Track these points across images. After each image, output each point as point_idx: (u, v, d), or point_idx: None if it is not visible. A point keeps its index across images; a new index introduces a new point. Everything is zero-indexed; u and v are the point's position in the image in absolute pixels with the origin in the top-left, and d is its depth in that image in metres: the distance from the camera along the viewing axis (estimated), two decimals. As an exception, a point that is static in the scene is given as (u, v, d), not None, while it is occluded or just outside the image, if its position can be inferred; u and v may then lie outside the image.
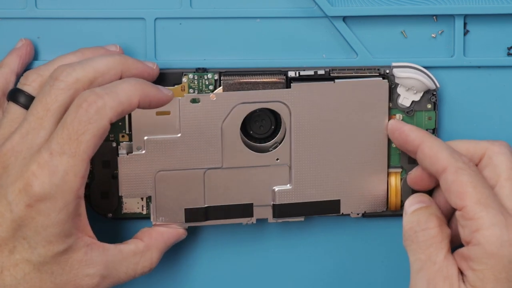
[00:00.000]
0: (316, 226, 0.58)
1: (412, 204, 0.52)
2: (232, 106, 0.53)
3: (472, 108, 0.57)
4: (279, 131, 0.56)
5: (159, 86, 0.51)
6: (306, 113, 0.54)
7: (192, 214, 0.55)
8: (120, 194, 0.54)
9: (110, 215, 0.57)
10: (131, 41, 0.56)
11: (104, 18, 0.56)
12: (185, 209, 0.54)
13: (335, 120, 0.54)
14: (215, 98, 0.53)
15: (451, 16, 0.56)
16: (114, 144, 0.56)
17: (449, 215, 0.54)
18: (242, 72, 0.56)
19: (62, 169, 0.47)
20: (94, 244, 0.50)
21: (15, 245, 0.48)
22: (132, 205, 0.57)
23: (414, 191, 0.55)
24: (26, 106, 0.51)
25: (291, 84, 0.54)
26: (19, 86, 0.52)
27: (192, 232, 0.57)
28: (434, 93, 0.56)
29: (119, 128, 0.56)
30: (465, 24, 0.56)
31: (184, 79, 0.56)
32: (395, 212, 0.57)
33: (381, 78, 0.55)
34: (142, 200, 0.57)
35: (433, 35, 0.57)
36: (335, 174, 0.55)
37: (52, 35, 0.56)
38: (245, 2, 0.56)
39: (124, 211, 0.57)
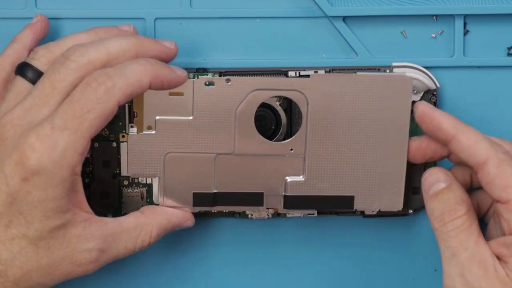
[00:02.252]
0: (316, 226, 0.58)
1: (432, 183, 0.51)
2: (247, 92, 0.52)
3: (472, 108, 0.57)
4: (279, 131, 0.56)
5: (173, 66, 0.50)
6: (324, 104, 0.53)
7: (201, 199, 0.53)
8: (127, 174, 0.53)
9: (110, 215, 0.57)
10: (131, 41, 0.56)
11: (104, 18, 0.56)
12: (194, 193, 0.53)
13: (354, 113, 0.53)
14: (230, 83, 0.52)
15: (451, 16, 0.56)
16: (115, 144, 0.56)
17: (467, 186, 0.53)
18: (242, 72, 0.56)
19: (62, 144, 0.47)
20: (92, 219, 0.50)
21: (11, 219, 0.48)
22: (132, 205, 0.57)
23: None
24: (33, 81, 0.50)
25: (310, 74, 0.53)
26: (27, 60, 0.51)
27: (200, 229, 0.58)
28: (434, 93, 0.56)
29: (119, 128, 0.56)
30: (465, 24, 0.56)
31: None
32: (395, 212, 0.57)
33: (405, 74, 0.54)
34: (142, 200, 0.57)
35: (433, 35, 0.57)
36: (350, 169, 0.54)
37: (52, 35, 0.56)
38: (245, 2, 0.56)
39: (124, 211, 0.57)
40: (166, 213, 0.53)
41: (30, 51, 0.53)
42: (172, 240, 0.58)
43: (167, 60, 0.52)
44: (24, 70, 0.51)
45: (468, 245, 0.49)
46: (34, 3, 0.56)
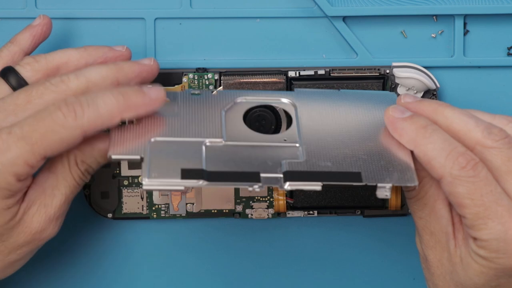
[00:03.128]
0: (315, 226, 0.58)
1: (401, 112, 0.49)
2: (233, 101, 0.52)
3: (472, 108, 0.57)
4: (279, 131, 0.56)
5: (148, 90, 0.49)
6: (311, 112, 0.52)
7: (190, 173, 0.48)
8: (108, 154, 0.48)
9: (110, 215, 0.57)
10: (131, 41, 0.56)
11: (104, 18, 0.56)
12: (182, 169, 0.48)
13: (343, 110, 0.52)
14: (216, 94, 0.52)
15: (451, 16, 0.56)
16: (114, 144, 0.56)
17: None
18: (242, 72, 0.56)
19: (14, 151, 0.46)
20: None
21: None
22: (132, 205, 0.57)
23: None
24: (14, 88, 0.50)
25: (294, 88, 0.53)
26: (14, 65, 0.51)
27: (200, 229, 0.58)
28: (434, 93, 0.56)
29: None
30: (465, 24, 0.56)
31: (184, 79, 0.56)
32: (395, 212, 0.57)
33: (388, 92, 0.53)
34: (142, 200, 0.57)
35: (433, 35, 0.57)
36: (351, 150, 0.50)
37: (52, 35, 0.56)
38: (245, 2, 0.56)
39: (124, 211, 0.57)
40: (90, 140, 0.49)
41: (26, 54, 0.53)
42: (172, 240, 0.58)
43: (150, 78, 0.51)
44: (8, 74, 0.51)
45: (422, 215, 0.49)
46: (34, 3, 0.56)
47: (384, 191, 0.48)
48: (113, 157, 0.48)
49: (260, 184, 0.48)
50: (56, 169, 0.50)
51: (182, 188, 0.47)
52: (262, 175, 0.48)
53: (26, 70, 0.51)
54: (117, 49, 0.53)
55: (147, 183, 0.47)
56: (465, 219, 0.47)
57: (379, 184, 0.48)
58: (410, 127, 0.48)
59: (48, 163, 0.50)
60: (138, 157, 0.48)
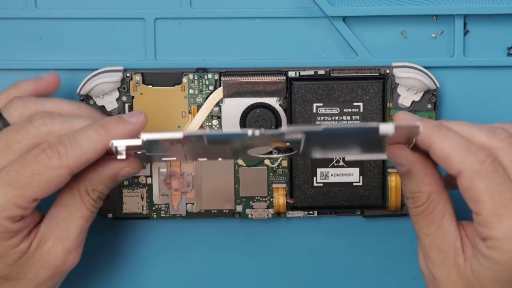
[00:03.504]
0: (315, 226, 0.58)
1: (396, 164, 0.49)
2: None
3: (472, 108, 0.57)
4: (279, 131, 0.56)
5: (129, 115, 0.50)
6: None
7: (190, 132, 0.46)
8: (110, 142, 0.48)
9: (110, 215, 0.57)
10: (131, 41, 0.56)
11: (104, 18, 0.56)
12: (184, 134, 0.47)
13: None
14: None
15: (451, 16, 0.56)
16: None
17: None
18: (242, 72, 0.56)
19: (2, 197, 0.47)
20: (39, 224, 0.50)
21: None
22: (132, 205, 0.57)
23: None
24: None
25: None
26: (2, 108, 0.51)
27: (200, 229, 0.58)
28: (434, 93, 0.56)
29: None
30: (465, 24, 0.56)
31: (184, 79, 0.56)
32: (395, 212, 0.57)
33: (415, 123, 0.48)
34: (142, 200, 0.57)
35: (433, 35, 0.57)
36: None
37: (52, 35, 0.56)
38: (245, 2, 0.56)
39: (124, 211, 0.57)
40: (96, 168, 0.50)
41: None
42: (172, 240, 0.58)
43: (137, 134, 0.50)
44: None
45: (429, 232, 0.48)
46: (34, 3, 0.56)
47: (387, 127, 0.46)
48: (115, 143, 0.48)
49: (261, 129, 0.46)
50: (67, 202, 0.50)
51: (181, 135, 0.46)
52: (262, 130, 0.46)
53: (12, 116, 0.51)
54: (132, 120, 0.50)
55: (147, 135, 0.46)
56: (479, 216, 0.46)
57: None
58: (424, 126, 0.47)
59: (59, 196, 0.50)
60: (139, 140, 0.47)
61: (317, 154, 0.51)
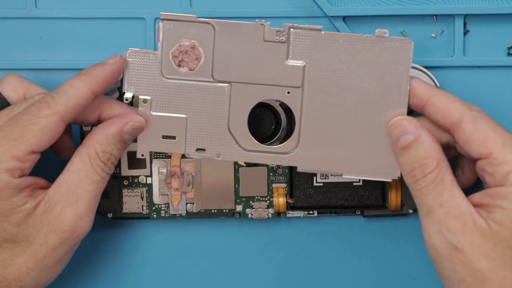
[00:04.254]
0: (315, 226, 0.58)
1: (399, 135, 0.50)
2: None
3: (472, 108, 0.57)
4: (279, 131, 0.56)
5: (106, 59, 0.51)
6: (320, 67, 0.52)
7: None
8: (125, 90, 0.52)
9: (110, 215, 0.57)
10: (131, 41, 0.56)
11: (104, 18, 0.56)
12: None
13: (349, 78, 0.52)
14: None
15: (451, 16, 0.56)
16: (114, 144, 0.56)
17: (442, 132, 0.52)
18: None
19: None
20: (46, 190, 0.50)
21: None
22: (132, 205, 0.57)
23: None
24: None
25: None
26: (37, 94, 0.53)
27: (200, 229, 0.58)
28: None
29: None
30: (465, 24, 0.56)
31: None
32: (395, 212, 0.57)
33: (406, 38, 0.52)
34: (142, 200, 0.57)
35: (433, 35, 0.57)
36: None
37: (52, 35, 0.56)
38: (245, 2, 0.56)
39: (124, 211, 0.57)
40: (101, 129, 0.52)
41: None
42: (172, 240, 0.58)
43: (118, 74, 0.52)
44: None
45: (443, 201, 0.48)
46: (34, 3, 0.56)
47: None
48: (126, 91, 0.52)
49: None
50: (76, 168, 0.51)
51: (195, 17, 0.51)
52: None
53: (6, 89, 0.53)
54: (110, 61, 0.52)
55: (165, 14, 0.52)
56: (492, 155, 0.48)
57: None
58: (423, 82, 0.51)
59: (68, 164, 0.51)
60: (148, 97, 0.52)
61: (316, 165, 0.53)
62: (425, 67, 0.56)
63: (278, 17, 0.56)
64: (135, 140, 0.53)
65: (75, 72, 0.56)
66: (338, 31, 0.56)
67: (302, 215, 0.57)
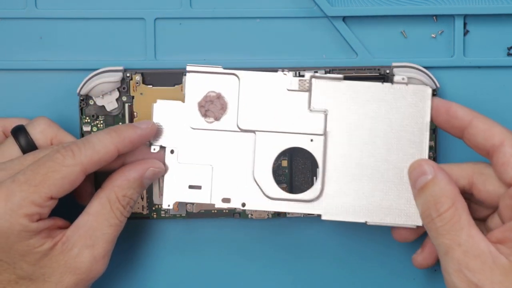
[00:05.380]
0: (315, 226, 0.58)
1: (417, 177, 0.51)
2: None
3: (472, 108, 0.57)
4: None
5: (137, 123, 0.52)
6: (341, 115, 0.53)
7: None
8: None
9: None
10: (131, 41, 0.56)
11: (104, 18, 0.56)
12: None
13: (370, 124, 0.53)
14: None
15: (451, 16, 0.56)
16: (114, 144, 0.56)
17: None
18: (242, 72, 0.56)
19: (19, 195, 0.48)
20: (65, 229, 0.51)
21: None
22: (132, 205, 0.57)
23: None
24: (23, 150, 0.52)
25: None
26: (27, 125, 0.53)
27: (200, 229, 0.58)
28: (435, 93, 0.56)
29: (119, 128, 0.56)
30: (465, 24, 0.56)
31: (184, 79, 0.56)
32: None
33: (424, 85, 0.54)
34: (142, 200, 0.57)
35: (433, 35, 0.57)
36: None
37: (52, 35, 0.56)
38: (245, 2, 0.56)
39: (124, 211, 0.57)
40: (122, 174, 0.52)
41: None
42: (172, 240, 0.58)
43: (147, 139, 0.53)
44: (18, 134, 0.53)
45: (461, 241, 0.48)
46: (34, 3, 0.56)
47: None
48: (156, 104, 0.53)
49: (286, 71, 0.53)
50: (96, 211, 0.51)
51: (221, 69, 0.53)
52: None
53: (35, 131, 0.53)
54: (142, 126, 0.53)
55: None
56: None
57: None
58: (464, 106, 0.52)
59: (87, 206, 0.52)
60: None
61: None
62: (425, 67, 0.56)
63: (278, 17, 0.56)
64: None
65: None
66: (338, 31, 0.56)
67: (302, 215, 0.57)
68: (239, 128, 0.53)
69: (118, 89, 0.56)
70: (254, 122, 0.53)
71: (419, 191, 0.51)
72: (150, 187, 0.56)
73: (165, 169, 0.53)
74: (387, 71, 0.56)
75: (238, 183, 0.54)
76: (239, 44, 0.57)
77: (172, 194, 0.53)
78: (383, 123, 0.53)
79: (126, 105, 0.56)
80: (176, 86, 0.56)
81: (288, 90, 0.53)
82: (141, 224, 0.58)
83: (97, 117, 0.56)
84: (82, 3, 0.56)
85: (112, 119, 0.56)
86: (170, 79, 0.56)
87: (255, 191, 0.54)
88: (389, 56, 0.56)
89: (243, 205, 0.54)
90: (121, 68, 0.56)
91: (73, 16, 0.56)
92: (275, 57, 0.56)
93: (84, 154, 0.50)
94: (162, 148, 0.54)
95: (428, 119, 0.53)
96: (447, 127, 0.52)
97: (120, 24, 0.56)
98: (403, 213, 0.53)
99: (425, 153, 0.53)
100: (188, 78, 0.53)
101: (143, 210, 0.57)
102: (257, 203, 0.54)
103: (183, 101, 0.53)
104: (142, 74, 0.56)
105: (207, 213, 0.57)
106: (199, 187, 0.54)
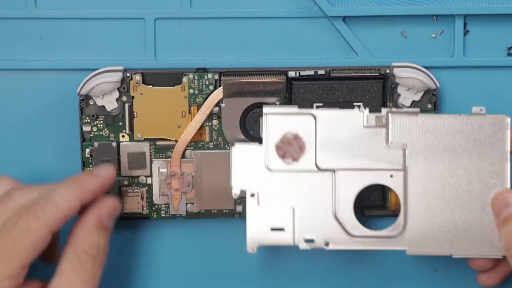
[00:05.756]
0: (316, 226, 0.58)
1: (501, 207, 0.51)
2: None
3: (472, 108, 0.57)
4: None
5: (99, 169, 0.52)
6: (420, 149, 0.53)
7: None
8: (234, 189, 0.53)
9: (110, 215, 0.57)
10: (131, 41, 0.56)
11: (104, 18, 0.56)
12: None
13: (449, 156, 0.53)
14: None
15: (451, 16, 0.56)
16: (114, 144, 0.56)
17: None
18: (242, 72, 0.56)
19: None
20: None
21: None
22: (132, 205, 0.57)
23: None
24: None
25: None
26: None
27: (200, 229, 0.58)
28: (434, 93, 0.56)
29: (119, 128, 0.56)
30: (465, 24, 0.56)
31: (184, 79, 0.56)
32: (395, 212, 0.57)
33: (501, 114, 0.53)
34: (142, 200, 0.57)
35: (433, 35, 0.57)
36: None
37: (52, 35, 0.56)
38: (245, 2, 0.56)
39: (124, 211, 0.57)
40: (80, 225, 0.51)
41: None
42: (172, 240, 0.58)
43: (109, 186, 0.53)
44: None
45: None
46: (34, 3, 0.56)
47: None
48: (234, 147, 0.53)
49: None
50: (66, 270, 0.50)
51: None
52: None
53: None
54: (102, 173, 0.52)
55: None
56: None
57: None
58: None
59: (58, 265, 0.50)
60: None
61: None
62: (425, 67, 0.56)
63: (278, 17, 0.56)
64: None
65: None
66: (338, 31, 0.56)
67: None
68: (318, 167, 0.53)
69: (118, 89, 0.56)
70: (333, 160, 0.53)
71: (503, 222, 0.51)
72: (150, 187, 0.56)
73: (119, 202, 0.53)
74: (387, 71, 0.56)
75: (320, 223, 0.53)
76: (239, 44, 0.57)
77: (255, 238, 0.53)
78: (463, 155, 0.53)
79: (126, 105, 0.56)
80: (176, 86, 0.56)
81: (365, 126, 0.53)
82: (141, 224, 0.58)
83: (97, 117, 0.56)
84: (82, 3, 0.56)
85: (112, 119, 0.56)
86: (170, 79, 0.56)
87: (338, 229, 0.54)
88: (389, 56, 0.56)
89: (327, 244, 0.54)
90: (121, 68, 0.56)
91: (73, 16, 0.56)
92: (275, 57, 0.56)
93: (48, 213, 0.49)
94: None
95: (508, 148, 0.53)
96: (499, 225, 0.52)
97: (120, 24, 0.56)
98: (487, 244, 0.53)
99: (507, 183, 0.53)
100: (265, 121, 0.53)
101: (143, 210, 0.57)
102: (340, 242, 0.54)
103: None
104: (142, 74, 0.56)
105: (207, 213, 0.57)
106: (281, 229, 0.54)
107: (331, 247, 0.54)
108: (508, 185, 0.53)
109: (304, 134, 0.53)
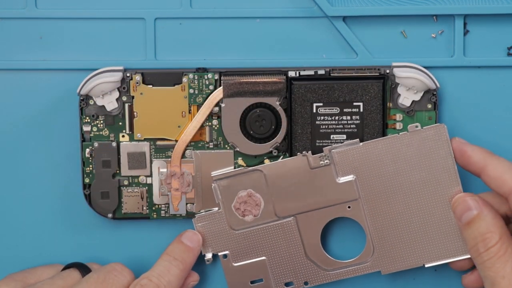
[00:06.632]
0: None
1: (463, 211, 0.52)
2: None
3: (472, 108, 0.57)
4: (279, 131, 0.56)
5: (191, 240, 0.55)
6: (370, 176, 0.55)
7: None
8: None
9: (110, 215, 0.57)
10: (131, 41, 0.56)
11: (104, 18, 0.56)
12: None
13: (400, 176, 0.54)
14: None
15: (451, 16, 0.56)
16: (114, 144, 0.56)
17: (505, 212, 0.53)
18: (242, 72, 0.56)
19: None
20: None
21: None
22: (132, 205, 0.57)
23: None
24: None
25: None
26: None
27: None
28: (434, 93, 0.56)
29: (119, 128, 0.56)
30: (465, 24, 0.56)
31: (184, 79, 0.56)
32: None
33: (437, 124, 0.54)
34: (142, 200, 0.57)
35: (433, 35, 0.57)
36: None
37: (52, 35, 0.56)
38: (245, 2, 0.56)
39: (124, 211, 0.57)
40: None
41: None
42: (172, 240, 0.58)
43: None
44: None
45: (505, 273, 0.50)
46: (34, 3, 0.56)
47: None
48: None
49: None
50: None
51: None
52: None
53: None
54: (194, 245, 0.56)
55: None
56: None
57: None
58: (479, 150, 0.53)
59: None
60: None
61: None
62: (425, 67, 0.56)
63: (278, 17, 0.56)
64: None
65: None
66: (338, 31, 0.56)
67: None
68: (278, 216, 0.55)
69: (118, 89, 0.56)
70: (291, 207, 0.55)
71: (465, 226, 0.52)
72: (150, 187, 0.56)
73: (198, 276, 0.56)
74: (387, 71, 0.56)
75: (294, 266, 0.56)
76: (239, 44, 0.57)
77: None
78: (414, 170, 0.54)
79: (126, 105, 0.56)
80: (176, 86, 0.56)
81: (312, 168, 0.55)
82: (141, 224, 0.58)
83: (97, 117, 0.56)
84: (82, 3, 0.56)
85: (112, 119, 0.56)
86: (170, 79, 0.56)
87: (312, 268, 0.56)
88: (389, 56, 0.56)
89: (306, 283, 0.56)
90: (121, 68, 0.56)
91: (73, 16, 0.56)
92: (275, 57, 0.56)
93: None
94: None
95: (452, 154, 0.54)
96: (465, 169, 0.54)
97: (120, 24, 0.56)
98: (455, 247, 0.55)
99: (459, 186, 0.54)
100: (216, 186, 0.55)
101: (143, 210, 0.57)
102: (318, 278, 0.56)
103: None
104: (142, 74, 0.56)
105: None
106: (260, 280, 0.56)
107: (310, 285, 0.56)
108: (461, 187, 0.54)
109: (257, 189, 0.55)
